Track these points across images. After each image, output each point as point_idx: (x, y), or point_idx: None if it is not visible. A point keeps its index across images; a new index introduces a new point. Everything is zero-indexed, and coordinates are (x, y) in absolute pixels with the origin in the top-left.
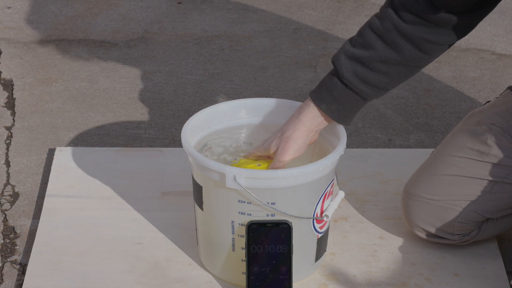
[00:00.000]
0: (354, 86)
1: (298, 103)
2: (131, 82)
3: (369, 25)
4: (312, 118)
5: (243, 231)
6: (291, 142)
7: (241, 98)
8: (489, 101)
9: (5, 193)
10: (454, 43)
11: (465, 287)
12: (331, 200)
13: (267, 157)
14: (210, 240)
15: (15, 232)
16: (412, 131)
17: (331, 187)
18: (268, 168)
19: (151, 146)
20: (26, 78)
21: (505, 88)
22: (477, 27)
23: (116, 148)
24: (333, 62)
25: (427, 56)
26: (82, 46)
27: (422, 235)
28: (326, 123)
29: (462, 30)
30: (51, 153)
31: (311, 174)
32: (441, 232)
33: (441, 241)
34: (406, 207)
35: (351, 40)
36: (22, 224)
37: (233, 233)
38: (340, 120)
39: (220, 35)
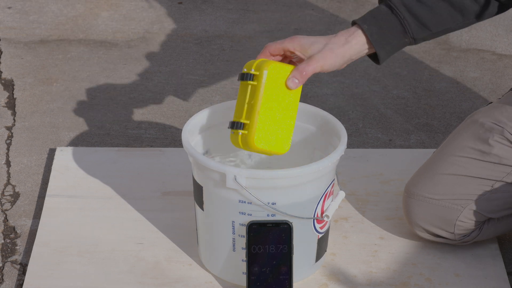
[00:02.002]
0: (400, 12)
1: (300, 104)
2: (131, 82)
3: None
4: (359, 46)
5: (243, 231)
6: (333, 55)
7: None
8: (491, 103)
9: (6, 193)
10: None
11: (465, 287)
12: (332, 200)
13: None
14: (210, 240)
15: (16, 232)
16: (413, 131)
17: (332, 187)
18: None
19: (151, 146)
20: (26, 78)
21: (508, 90)
22: (477, 27)
23: (116, 148)
24: None
25: (474, 3)
26: (83, 46)
27: (423, 234)
28: (362, 55)
29: None
30: (51, 153)
31: (311, 174)
32: (442, 231)
33: (442, 240)
34: (407, 207)
35: None
36: (22, 224)
37: (233, 233)
38: (378, 44)
39: (221, 35)
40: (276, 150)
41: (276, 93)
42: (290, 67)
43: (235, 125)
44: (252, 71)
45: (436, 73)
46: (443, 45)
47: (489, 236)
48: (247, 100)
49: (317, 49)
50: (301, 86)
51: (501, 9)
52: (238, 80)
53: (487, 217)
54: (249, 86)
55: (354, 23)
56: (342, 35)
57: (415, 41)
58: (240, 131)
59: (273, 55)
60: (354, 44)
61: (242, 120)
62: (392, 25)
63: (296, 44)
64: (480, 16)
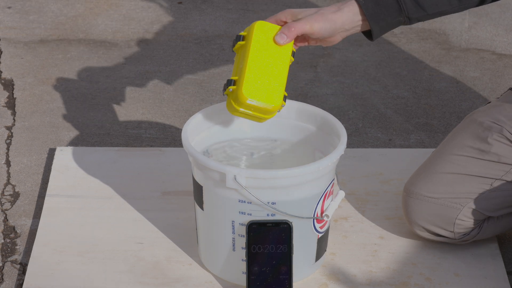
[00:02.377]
0: None
1: (299, 103)
2: (131, 82)
3: None
4: (351, 14)
5: (243, 230)
6: (323, 18)
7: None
8: (489, 102)
9: (6, 193)
10: None
11: (465, 287)
12: (332, 200)
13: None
14: (210, 239)
15: (16, 231)
16: (413, 131)
17: (332, 187)
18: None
19: (151, 146)
20: (26, 78)
21: (507, 89)
22: (477, 27)
23: (116, 148)
24: None
25: None
26: (83, 46)
27: (423, 234)
28: (357, 29)
29: None
30: (51, 153)
31: (311, 173)
32: (441, 230)
33: (441, 240)
34: (406, 206)
35: None
36: (22, 224)
37: (233, 232)
38: (372, 19)
39: (221, 35)
40: (266, 101)
41: (264, 48)
42: (278, 27)
43: (226, 84)
44: (241, 33)
45: (436, 73)
46: (443, 45)
47: (489, 235)
48: (239, 61)
49: (307, 14)
50: (292, 46)
51: None
52: (232, 48)
53: (486, 216)
54: (240, 48)
55: None
56: (335, 4)
57: (409, 21)
58: (231, 88)
59: None
60: (346, 12)
61: (232, 77)
62: (388, 2)
63: (288, 13)
64: (481, 1)
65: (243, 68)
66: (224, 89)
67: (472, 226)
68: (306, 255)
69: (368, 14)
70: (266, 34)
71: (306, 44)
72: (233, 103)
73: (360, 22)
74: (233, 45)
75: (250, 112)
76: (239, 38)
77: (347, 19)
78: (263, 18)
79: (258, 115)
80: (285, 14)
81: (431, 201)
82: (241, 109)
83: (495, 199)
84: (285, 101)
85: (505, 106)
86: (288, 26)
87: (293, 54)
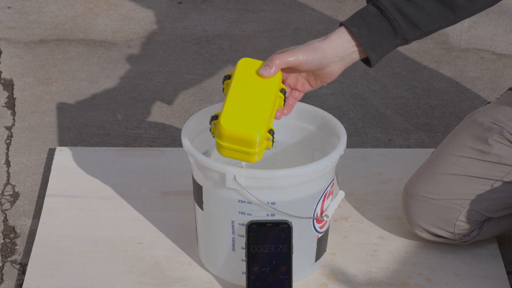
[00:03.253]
0: (389, 13)
1: (298, 103)
2: (131, 82)
3: None
4: (341, 40)
5: (243, 231)
6: (310, 47)
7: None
8: (489, 102)
9: (5, 193)
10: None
11: (465, 287)
12: (331, 200)
13: None
14: (210, 240)
15: (15, 232)
16: (412, 131)
17: (331, 187)
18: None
19: (151, 146)
20: (26, 78)
21: (506, 89)
22: (477, 27)
23: (116, 148)
24: None
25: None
26: (82, 46)
27: (423, 234)
28: (354, 56)
29: None
30: (51, 153)
31: (311, 174)
32: (441, 231)
33: (441, 240)
34: (406, 207)
35: None
36: (22, 224)
37: (233, 233)
38: (368, 47)
39: (220, 35)
40: (247, 130)
41: (248, 82)
42: (263, 62)
43: (210, 120)
44: (229, 73)
45: (436, 73)
46: (443, 45)
47: (489, 236)
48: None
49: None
50: (280, 81)
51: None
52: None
53: (487, 217)
54: (226, 87)
55: (341, 24)
56: (326, 36)
57: (406, 42)
58: (213, 123)
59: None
60: (334, 39)
61: (216, 114)
62: (383, 27)
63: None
64: (474, 11)
65: (224, 102)
66: (210, 130)
67: (473, 227)
68: (306, 255)
69: (363, 43)
70: (250, 69)
71: (300, 79)
72: (217, 139)
73: (356, 49)
74: (223, 88)
75: (234, 146)
76: (227, 77)
77: (338, 46)
78: (263, 17)
79: (243, 149)
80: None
81: (432, 202)
82: (225, 144)
83: (495, 200)
84: (273, 136)
85: (505, 106)
86: (271, 58)
87: (284, 92)
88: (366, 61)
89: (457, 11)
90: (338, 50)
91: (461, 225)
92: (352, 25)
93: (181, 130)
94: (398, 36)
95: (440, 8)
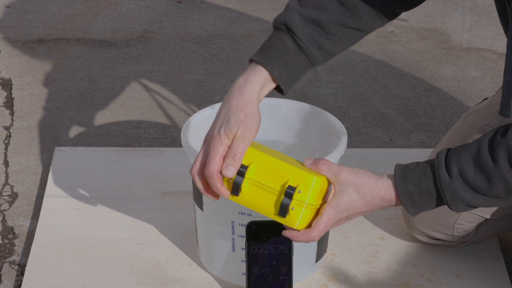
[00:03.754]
0: (309, 50)
1: (299, 103)
2: (130, 81)
3: None
4: (261, 85)
5: (243, 231)
6: (253, 117)
7: None
8: (486, 98)
9: (4, 193)
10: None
11: None
12: None
13: None
14: (210, 240)
15: (14, 232)
16: (413, 131)
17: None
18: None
19: (150, 146)
20: (25, 78)
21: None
22: (478, 26)
23: (115, 148)
24: (284, 24)
25: (380, 22)
26: (81, 46)
27: (422, 238)
28: (267, 92)
29: None
30: (50, 153)
31: None
32: (440, 234)
33: (440, 243)
34: (405, 211)
35: (300, 9)
36: (20, 225)
37: (233, 233)
38: (286, 88)
39: (220, 34)
40: None
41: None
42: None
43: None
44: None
45: (437, 73)
46: (444, 44)
47: (488, 235)
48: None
49: (234, 128)
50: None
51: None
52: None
53: (485, 218)
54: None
55: (255, 62)
56: (247, 86)
57: (316, 67)
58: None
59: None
60: (262, 92)
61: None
62: (301, 63)
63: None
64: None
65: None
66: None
67: (471, 228)
68: (306, 255)
69: (282, 83)
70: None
71: None
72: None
73: (272, 86)
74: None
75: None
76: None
77: (261, 93)
78: (263, 17)
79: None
80: (219, 145)
81: None
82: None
83: None
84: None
85: (498, 107)
86: (231, 156)
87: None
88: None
89: (371, 30)
90: (259, 97)
91: (460, 227)
92: (272, 66)
93: (180, 130)
94: (312, 67)
95: (357, 34)
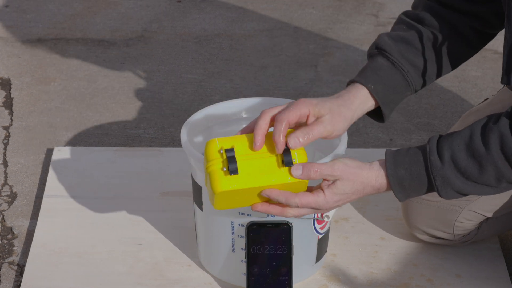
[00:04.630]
0: (402, 65)
1: None
2: (130, 81)
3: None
4: (360, 100)
5: (243, 231)
6: (342, 116)
7: (241, 97)
8: (487, 99)
9: (3, 194)
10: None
11: None
12: None
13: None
14: (209, 241)
15: (13, 232)
16: (414, 131)
17: None
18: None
19: (150, 146)
20: (24, 77)
21: (503, 85)
22: None
23: (115, 148)
24: (376, 46)
25: (463, 49)
26: (81, 45)
27: (423, 237)
28: (364, 111)
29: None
30: (49, 153)
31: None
32: (441, 233)
33: (441, 242)
34: (406, 209)
35: (389, 33)
36: (20, 225)
37: (233, 233)
38: (383, 105)
39: (220, 34)
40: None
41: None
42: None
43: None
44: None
45: None
46: None
47: (488, 235)
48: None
49: (326, 111)
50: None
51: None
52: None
53: (485, 217)
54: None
55: (353, 81)
56: (348, 97)
57: (415, 92)
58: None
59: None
60: (354, 98)
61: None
62: (396, 80)
63: (305, 107)
64: (466, 58)
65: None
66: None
67: (472, 227)
68: (307, 256)
69: (379, 98)
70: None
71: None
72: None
73: (370, 105)
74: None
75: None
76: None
77: (357, 107)
78: (263, 16)
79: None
80: (306, 106)
81: (431, 204)
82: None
83: (494, 200)
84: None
85: (501, 105)
86: (305, 132)
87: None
88: (375, 116)
89: (458, 62)
90: (358, 111)
91: (460, 226)
92: (367, 81)
93: (180, 130)
94: (409, 88)
95: (445, 60)
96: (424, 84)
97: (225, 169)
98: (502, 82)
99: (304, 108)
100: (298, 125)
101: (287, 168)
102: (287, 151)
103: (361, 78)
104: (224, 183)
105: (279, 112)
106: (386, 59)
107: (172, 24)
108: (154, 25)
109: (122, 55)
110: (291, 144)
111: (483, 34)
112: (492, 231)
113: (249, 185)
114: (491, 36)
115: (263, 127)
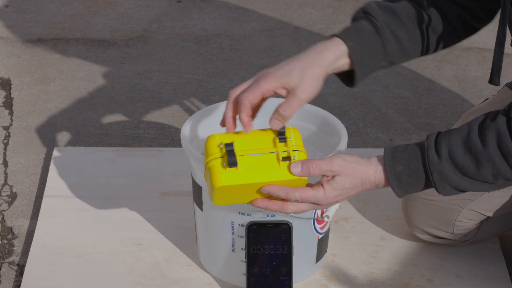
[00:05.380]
0: (385, 33)
1: None
2: (130, 81)
3: None
4: (335, 55)
5: (243, 231)
6: (313, 78)
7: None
8: (487, 99)
9: (3, 194)
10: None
11: None
12: None
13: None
14: (209, 241)
15: (13, 232)
16: (414, 131)
17: None
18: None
19: (150, 146)
20: (24, 78)
21: (503, 85)
22: None
23: (115, 148)
24: (363, 10)
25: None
26: (81, 45)
27: (423, 236)
28: (337, 68)
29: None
30: (49, 153)
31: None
32: (441, 232)
33: (441, 242)
34: (406, 209)
35: (378, 1)
36: (20, 225)
37: (233, 233)
38: (357, 66)
39: (220, 34)
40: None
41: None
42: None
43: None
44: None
45: (438, 72)
46: None
47: (489, 235)
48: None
49: (295, 81)
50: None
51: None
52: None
53: (486, 216)
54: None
55: (334, 36)
56: (321, 51)
57: (390, 65)
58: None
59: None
60: (333, 60)
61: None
62: (375, 46)
63: (271, 80)
64: (455, 43)
65: None
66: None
67: (472, 226)
68: (307, 256)
69: (355, 59)
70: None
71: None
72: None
73: (344, 62)
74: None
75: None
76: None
77: (330, 63)
78: (263, 16)
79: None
80: (269, 82)
81: (431, 204)
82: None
83: (494, 199)
84: None
85: (501, 104)
86: (281, 114)
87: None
88: (345, 79)
89: (445, 44)
90: (331, 67)
91: (461, 225)
92: (347, 37)
93: (180, 130)
94: (386, 58)
95: (427, 40)
96: (401, 60)
97: (225, 164)
98: (490, 82)
99: (267, 84)
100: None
101: (286, 163)
102: (282, 133)
103: (343, 34)
104: (223, 178)
105: (240, 94)
106: (370, 23)
107: (172, 24)
108: (154, 25)
109: (122, 55)
110: (273, 126)
111: (469, 26)
112: (492, 231)
113: (248, 181)
114: (476, 30)
115: (229, 113)
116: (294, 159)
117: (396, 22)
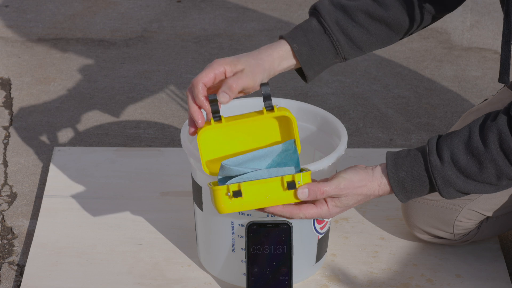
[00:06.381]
0: (332, 32)
1: (299, 103)
2: (130, 81)
3: None
4: (280, 55)
5: (243, 231)
6: (260, 68)
7: (241, 97)
8: (487, 99)
9: (3, 193)
10: (439, 17)
11: None
12: None
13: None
14: (209, 240)
15: (13, 232)
16: (414, 131)
17: None
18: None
19: (150, 146)
20: (23, 77)
21: (503, 86)
22: (479, 26)
23: (115, 148)
24: (314, 7)
25: (411, 21)
26: (81, 45)
27: (423, 236)
28: (286, 67)
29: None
30: (49, 153)
31: (311, 174)
32: (440, 232)
33: (441, 242)
34: (405, 209)
35: None
36: (20, 225)
37: (233, 233)
38: (306, 66)
39: (220, 34)
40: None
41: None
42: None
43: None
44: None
45: (437, 72)
46: (445, 44)
47: (488, 235)
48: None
49: (243, 65)
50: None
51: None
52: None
53: (485, 216)
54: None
55: (281, 37)
56: (266, 50)
57: (345, 60)
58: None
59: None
60: (277, 56)
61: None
62: (324, 46)
63: (222, 65)
64: (414, 31)
65: None
66: None
67: (472, 226)
68: (307, 256)
69: (302, 60)
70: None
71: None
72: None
73: (293, 63)
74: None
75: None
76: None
77: (279, 63)
78: (263, 16)
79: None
80: (220, 64)
81: (430, 204)
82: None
83: (494, 199)
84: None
85: (501, 104)
86: (228, 84)
87: None
88: (301, 74)
89: (400, 32)
90: (277, 65)
91: (460, 225)
92: (293, 40)
93: (180, 130)
94: (338, 56)
95: (386, 30)
96: (356, 55)
97: (229, 194)
98: (499, 81)
99: (219, 67)
100: (219, 83)
101: (291, 191)
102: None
103: (288, 36)
104: (227, 206)
105: (194, 79)
106: (319, 23)
107: (172, 24)
108: (154, 25)
109: (122, 55)
110: (221, 99)
111: (430, 16)
112: (492, 231)
113: (253, 207)
114: (435, 19)
115: (193, 107)
116: (299, 183)
117: (347, 20)
